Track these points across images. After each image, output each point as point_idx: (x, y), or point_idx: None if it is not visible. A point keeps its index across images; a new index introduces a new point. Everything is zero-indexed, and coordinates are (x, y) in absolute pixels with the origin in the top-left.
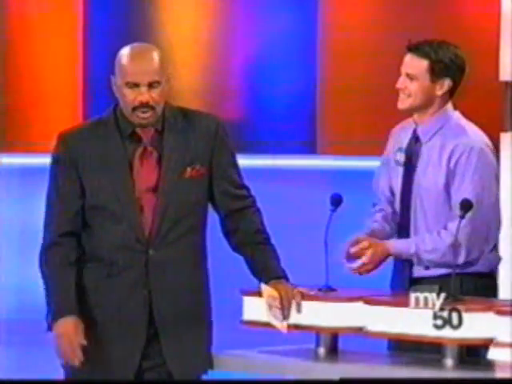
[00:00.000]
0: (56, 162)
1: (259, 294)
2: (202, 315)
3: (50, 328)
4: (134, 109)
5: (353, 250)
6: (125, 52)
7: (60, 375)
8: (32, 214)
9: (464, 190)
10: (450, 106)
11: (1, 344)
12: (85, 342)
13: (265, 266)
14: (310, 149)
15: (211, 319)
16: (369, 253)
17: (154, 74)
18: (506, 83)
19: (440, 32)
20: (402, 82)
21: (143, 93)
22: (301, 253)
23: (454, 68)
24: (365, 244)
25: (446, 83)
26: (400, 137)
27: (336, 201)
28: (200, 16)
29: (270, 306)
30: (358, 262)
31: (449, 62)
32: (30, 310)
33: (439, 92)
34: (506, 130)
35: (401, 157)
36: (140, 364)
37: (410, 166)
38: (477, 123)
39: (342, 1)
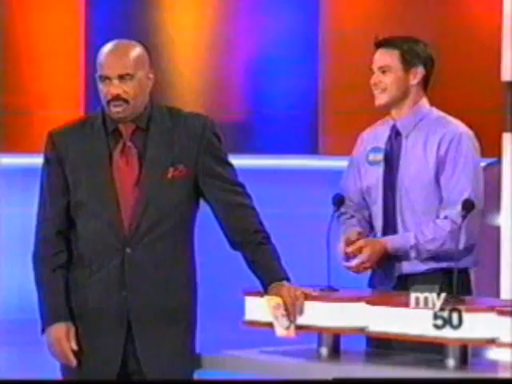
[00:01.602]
0: (44, 160)
1: (261, 294)
2: (182, 316)
3: (41, 331)
4: (108, 103)
5: (349, 249)
6: (102, 48)
7: (59, 375)
8: (33, 214)
9: (458, 176)
10: (425, 99)
11: (1, 344)
12: (75, 347)
13: (266, 268)
14: (311, 149)
15: (195, 319)
16: (367, 251)
17: (124, 67)
18: (508, 84)
19: (441, 32)
20: (375, 78)
21: (115, 86)
22: (303, 253)
23: (424, 56)
24: (361, 243)
25: (419, 71)
26: (371, 139)
27: (338, 201)
28: (202, 16)
29: (276, 317)
30: (356, 260)
31: (419, 50)
32: (30, 310)
33: (413, 81)
34: (507, 130)
35: (375, 156)
36: (126, 365)
37: (391, 161)
38: (478, 123)
39: (343, 1)
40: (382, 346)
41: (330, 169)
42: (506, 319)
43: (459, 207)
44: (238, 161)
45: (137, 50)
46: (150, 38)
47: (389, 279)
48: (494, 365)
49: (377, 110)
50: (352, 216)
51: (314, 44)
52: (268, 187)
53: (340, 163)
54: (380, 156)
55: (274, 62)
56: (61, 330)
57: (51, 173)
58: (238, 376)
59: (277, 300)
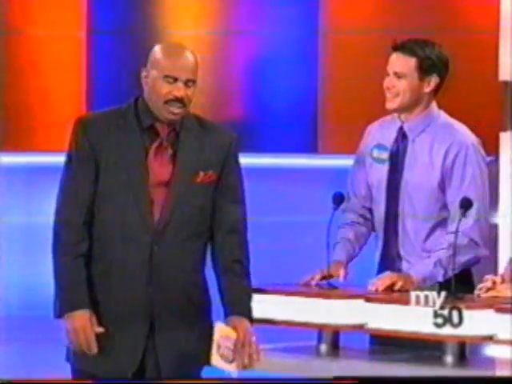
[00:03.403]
0: (74, 147)
1: (261, 291)
2: (199, 317)
3: (58, 315)
4: (167, 102)
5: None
6: (163, 47)
7: (62, 373)
8: (35, 212)
9: (466, 188)
10: (434, 104)
11: (2, 341)
12: (101, 330)
13: (235, 300)
14: (311, 148)
15: (210, 320)
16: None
17: (192, 73)
18: (506, 83)
19: (440, 32)
20: (389, 81)
21: (180, 88)
22: (302, 252)
23: (440, 65)
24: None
25: (434, 80)
26: (378, 134)
27: (338, 199)
28: (202, 17)
29: (219, 346)
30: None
31: (435, 58)
32: (31, 308)
33: (427, 89)
34: (505, 130)
35: (380, 154)
36: (144, 360)
37: (396, 163)
38: (476, 123)
39: (343, 3)
40: (384, 343)
41: (330, 168)
42: (505, 317)
43: (471, 220)
44: None
45: (196, 59)
46: (150, 39)
47: None
48: (492, 362)
49: (379, 110)
50: (353, 222)
51: (313, 44)
52: (268, 187)
53: (340, 162)
54: (385, 155)
55: (273, 62)
56: (85, 317)
57: (82, 161)
58: (238, 374)
59: (229, 332)
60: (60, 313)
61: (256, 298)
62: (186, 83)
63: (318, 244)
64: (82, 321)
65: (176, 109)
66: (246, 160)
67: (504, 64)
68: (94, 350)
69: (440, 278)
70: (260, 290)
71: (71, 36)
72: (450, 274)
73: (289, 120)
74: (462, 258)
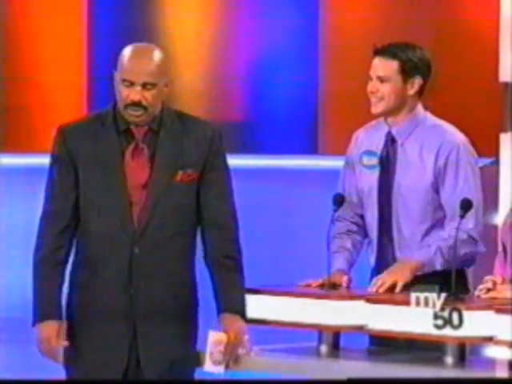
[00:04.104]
0: (54, 155)
1: (261, 292)
2: (185, 316)
3: (32, 324)
4: (126, 106)
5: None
6: (128, 49)
7: (61, 374)
8: (34, 213)
9: (460, 188)
10: (420, 106)
11: (3, 342)
12: (65, 344)
13: (226, 296)
14: (311, 149)
15: (197, 321)
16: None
17: (149, 76)
18: (506, 84)
19: (438, 33)
20: (373, 86)
21: (137, 92)
22: (303, 252)
23: (423, 66)
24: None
25: (417, 82)
26: (366, 141)
27: (338, 200)
28: (203, 17)
29: (211, 353)
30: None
31: (417, 60)
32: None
33: (411, 91)
34: (505, 131)
35: (370, 160)
36: (129, 363)
37: (387, 168)
38: (476, 124)
39: (343, 3)
40: (383, 344)
41: (330, 169)
42: (505, 317)
43: (470, 218)
44: (238, 161)
45: (162, 59)
46: (151, 39)
47: None
48: (491, 362)
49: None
50: (349, 232)
51: (314, 45)
52: (268, 187)
53: (340, 164)
54: (374, 160)
55: (274, 63)
56: (52, 329)
57: (61, 169)
58: (238, 375)
59: (221, 337)
60: (33, 322)
61: (257, 299)
62: (144, 86)
63: (317, 245)
64: (48, 332)
65: (135, 112)
66: (246, 161)
67: (504, 65)
68: (59, 361)
69: (438, 266)
70: (261, 291)
71: (71, 36)
72: (448, 264)
73: (289, 121)
74: (461, 251)
